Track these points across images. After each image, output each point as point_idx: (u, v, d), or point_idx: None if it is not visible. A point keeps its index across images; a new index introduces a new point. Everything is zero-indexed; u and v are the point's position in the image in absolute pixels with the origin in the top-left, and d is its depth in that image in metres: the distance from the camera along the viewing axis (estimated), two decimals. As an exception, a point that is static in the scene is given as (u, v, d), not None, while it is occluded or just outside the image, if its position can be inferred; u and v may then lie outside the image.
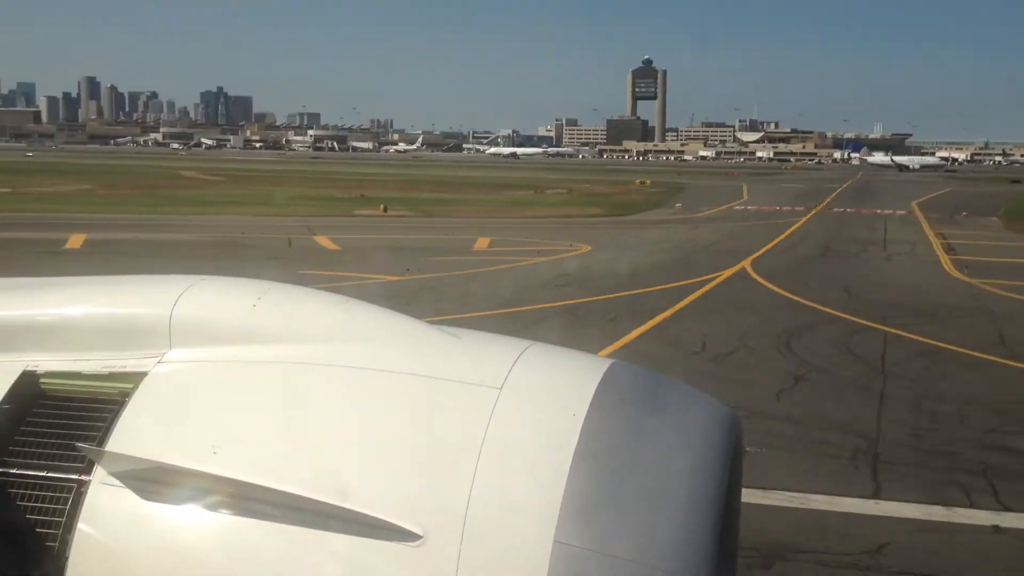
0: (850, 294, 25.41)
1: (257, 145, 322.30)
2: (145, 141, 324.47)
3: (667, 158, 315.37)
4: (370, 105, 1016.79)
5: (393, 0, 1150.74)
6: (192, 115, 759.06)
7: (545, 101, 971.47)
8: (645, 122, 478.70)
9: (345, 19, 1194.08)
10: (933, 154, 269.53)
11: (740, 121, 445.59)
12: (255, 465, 2.90)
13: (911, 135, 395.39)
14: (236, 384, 3.28)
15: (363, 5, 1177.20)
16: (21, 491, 3.11)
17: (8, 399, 3.37)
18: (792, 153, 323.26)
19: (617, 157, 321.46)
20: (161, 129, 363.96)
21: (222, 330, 3.42)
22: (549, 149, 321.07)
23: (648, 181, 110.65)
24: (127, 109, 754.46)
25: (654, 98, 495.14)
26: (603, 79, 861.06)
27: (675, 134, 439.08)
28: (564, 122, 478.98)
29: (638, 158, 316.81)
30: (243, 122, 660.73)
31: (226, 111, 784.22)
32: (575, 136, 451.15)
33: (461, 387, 3.00)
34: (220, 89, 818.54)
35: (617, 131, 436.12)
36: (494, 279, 27.73)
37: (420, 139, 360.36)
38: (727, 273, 29.07)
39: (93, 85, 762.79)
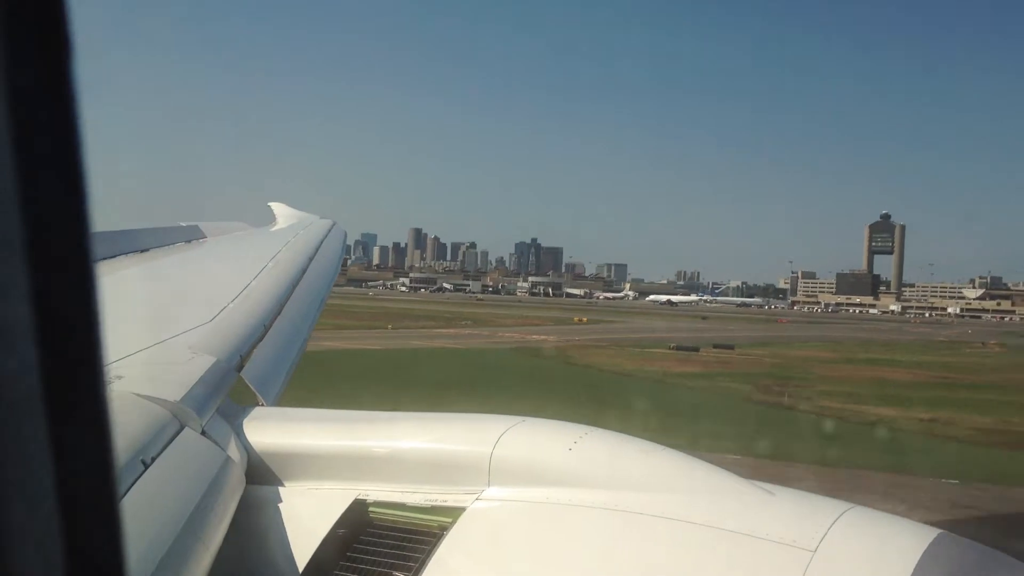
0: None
1: (489, 289, 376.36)
2: (393, 285, 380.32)
3: (855, 311, 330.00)
4: (676, 257, 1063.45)
5: (679, 157, 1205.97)
6: (508, 264, 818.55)
7: (787, 254, 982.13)
8: (877, 276, 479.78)
9: (645, 172, 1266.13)
10: None
11: (980, 278, 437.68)
12: None
13: None
14: (549, 526, 3.37)
15: (651, 160, 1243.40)
16: None
17: (340, 525, 3.73)
18: (985, 310, 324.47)
19: (808, 309, 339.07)
20: (411, 275, 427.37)
21: (539, 471, 3.54)
22: (705, 296, 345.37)
23: (585, 319, 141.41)
24: (448, 257, 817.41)
25: (890, 252, 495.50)
26: (844, 233, 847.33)
27: (912, 289, 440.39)
28: (800, 274, 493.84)
29: (825, 309, 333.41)
30: (551, 271, 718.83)
31: (536, 260, 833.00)
32: (809, 288, 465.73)
33: (773, 547, 2.91)
34: (534, 240, 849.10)
35: (847, 285, 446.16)
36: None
37: (627, 287, 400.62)
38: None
39: (419, 236, 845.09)
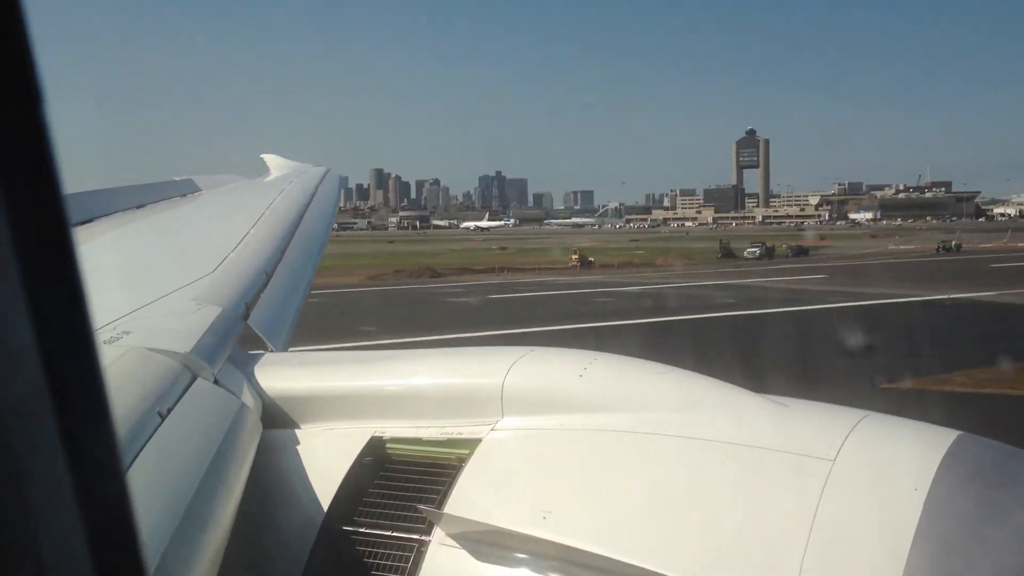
0: None
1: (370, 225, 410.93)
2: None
3: (678, 224, 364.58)
4: (644, 179, 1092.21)
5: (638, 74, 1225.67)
6: (473, 198, 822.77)
7: (672, 173, 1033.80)
8: (742, 190, 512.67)
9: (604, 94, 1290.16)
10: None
11: (839, 185, 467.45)
12: (583, 531, 2.95)
13: (980, 192, 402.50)
14: (565, 451, 3.36)
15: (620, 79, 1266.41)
16: (368, 548, 3.42)
17: (359, 462, 3.73)
18: (788, 216, 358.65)
19: (633, 226, 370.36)
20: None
21: (551, 399, 3.54)
22: (511, 221, 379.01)
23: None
24: (412, 196, 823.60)
25: (756, 167, 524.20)
26: (720, 150, 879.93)
27: (777, 199, 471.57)
28: (679, 192, 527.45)
29: (649, 224, 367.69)
30: (514, 203, 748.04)
31: (500, 192, 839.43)
32: (687, 204, 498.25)
33: (791, 458, 2.89)
34: (498, 173, 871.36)
35: (714, 199, 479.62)
36: None
37: (486, 216, 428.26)
38: None
39: (381, 176, 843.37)
